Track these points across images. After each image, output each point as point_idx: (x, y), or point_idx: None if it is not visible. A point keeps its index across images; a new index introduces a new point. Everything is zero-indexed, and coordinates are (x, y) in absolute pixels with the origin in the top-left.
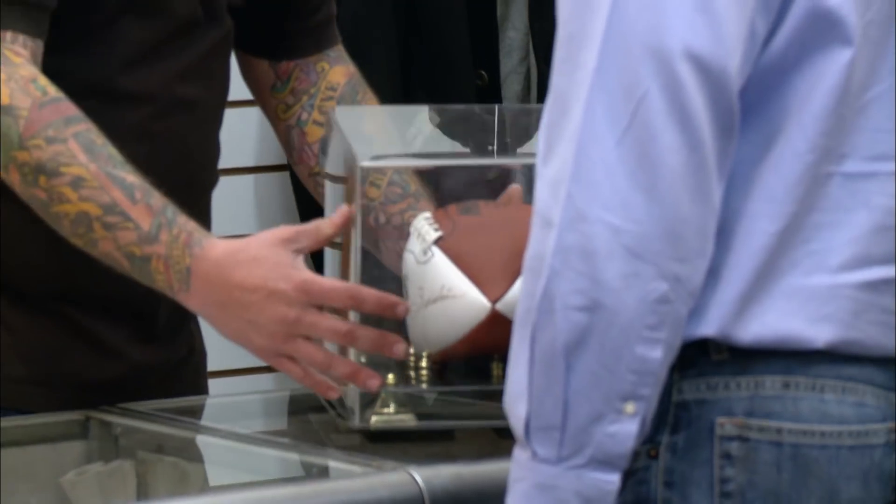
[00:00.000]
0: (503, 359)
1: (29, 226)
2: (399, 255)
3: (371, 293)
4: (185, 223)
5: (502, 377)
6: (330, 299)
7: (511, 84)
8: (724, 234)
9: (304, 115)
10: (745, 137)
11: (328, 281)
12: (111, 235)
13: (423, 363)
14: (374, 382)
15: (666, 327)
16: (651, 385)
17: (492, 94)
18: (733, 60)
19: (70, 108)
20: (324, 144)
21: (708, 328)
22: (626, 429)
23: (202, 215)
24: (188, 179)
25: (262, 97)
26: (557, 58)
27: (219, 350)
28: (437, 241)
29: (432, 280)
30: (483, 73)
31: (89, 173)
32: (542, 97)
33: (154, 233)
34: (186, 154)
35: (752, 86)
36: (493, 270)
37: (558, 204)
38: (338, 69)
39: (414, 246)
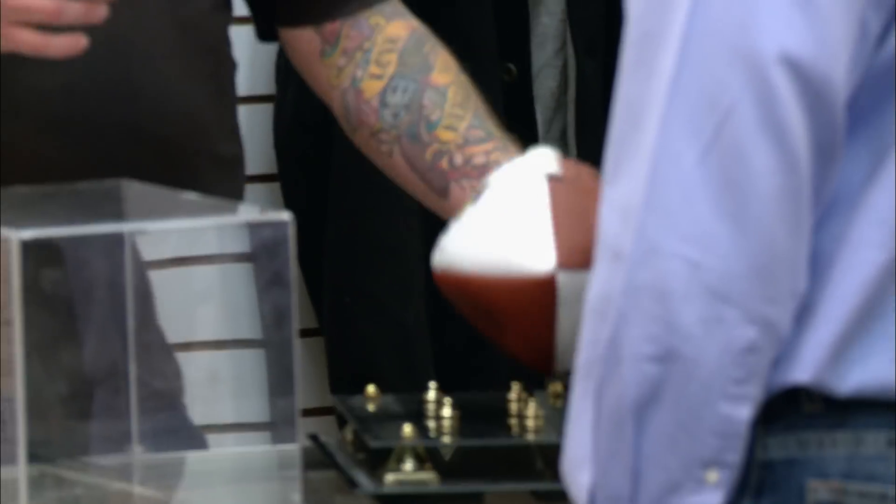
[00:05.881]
0: (544, 407)
1: None
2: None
3: None
4: None
5: (543, 429)
6: None
7: (544, 80)
8: (822, 264)
9: (359, 73)
10: (852, 153)
11: None
12: None
13: (445, 411)
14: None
15: (754, 381)
16: (737, 449)
17: (521, 91)
18: (839, 66)
19: None
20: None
21: (801, 374)
22: (707, 501)
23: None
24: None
25: (313, 71)
26: (627, 60)
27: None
28: (551, 178)
29: (521, 203)
30: (511, 66)
31: None
32: (580, 95)
33: None
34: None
35: (862, 94)
36: (579, 238)
37: (628, 235)
38: (397, 23)
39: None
